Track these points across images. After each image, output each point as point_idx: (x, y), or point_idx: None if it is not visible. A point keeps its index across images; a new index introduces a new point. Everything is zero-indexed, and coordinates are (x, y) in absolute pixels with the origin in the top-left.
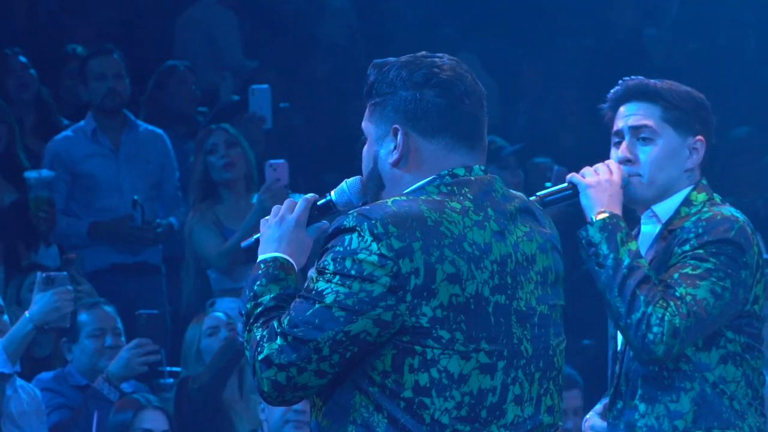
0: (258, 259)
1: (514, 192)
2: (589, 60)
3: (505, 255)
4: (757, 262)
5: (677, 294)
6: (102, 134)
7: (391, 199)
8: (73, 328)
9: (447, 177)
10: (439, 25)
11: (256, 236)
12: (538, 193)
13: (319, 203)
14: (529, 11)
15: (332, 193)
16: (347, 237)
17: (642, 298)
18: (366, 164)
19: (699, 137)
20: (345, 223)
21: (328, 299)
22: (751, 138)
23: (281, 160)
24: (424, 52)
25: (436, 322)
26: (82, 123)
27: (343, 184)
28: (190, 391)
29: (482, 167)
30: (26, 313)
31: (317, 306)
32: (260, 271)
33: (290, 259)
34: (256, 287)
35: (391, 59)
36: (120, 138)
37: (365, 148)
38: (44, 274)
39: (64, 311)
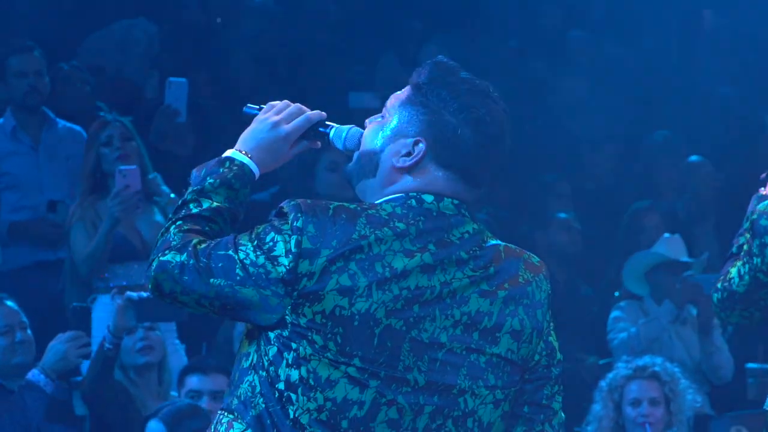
0: (228, 152)
1: (491, 241)
2: (513, 62)
3: (423, 286)
4: None
5: (728, 270)
6: (22, 132)
7: (338, 204)
8: None
9: (412, 200)
10: (358, 25)
11: (258, 107)
12: None
13: (320, 128)
14: (451, 12)
15: (334, 128)
16: (282, 218)
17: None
18: (370, 141)
19: None
20: (284, 205)
21: (240, 255)
22: (670, 141)
23: (133, 166)
24: (486, 86)
25: (313, 327)
26: (1, 120)
27: (345, 131)
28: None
29: (455, 201)
30: None
31: (230, 253)
32: (222, 169)
33: (256, 170)
34: (207, 183)
35: (457, 69)
36: (40, 135)
37: (376, 124)
38: None
39: None
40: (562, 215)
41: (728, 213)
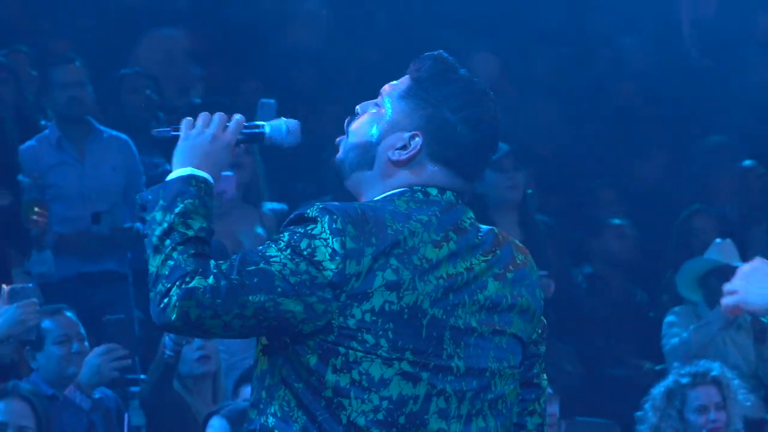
0: (186, 170)
1: (482, 226)
2: (566, 68)
3: (453, 274)
4: None
5: None
6: (67, 142)
7: (359, 202)
8: (37, 336)
9: (419, 193)
10: (414, 27)
11: (173, 132)
12: None
13: (246, 129)
14: (504, 19)
15: (266, 125)
16: (310, 225)
17: None
18: (365, 132)
19: None
20: (308, 212)
21: (275, 267)
22: (724, 146)
23: (230, 173)
24: (484, 85)
25: (363, 326)
26: (47, 132)
27: (283, 124)
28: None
29: (455, 193)
30: None
31: (262, 266)
32: (192, 188)
33: (213, 185)
34: (187, 203)
35: (457, 66)
36: (85, 146)
37: (370, 115)
38: (9, 287)
39: (29, 324)
40: (616, 221)
41: None
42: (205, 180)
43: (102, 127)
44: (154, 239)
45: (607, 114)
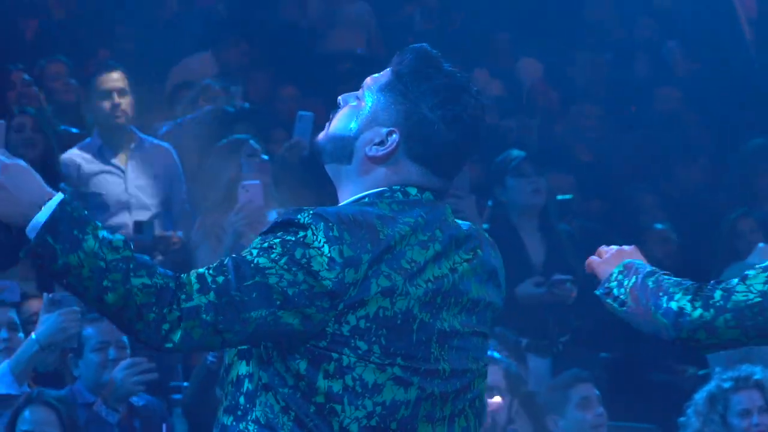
0: (52, 203)
1: (461, 222)
2: (608, 74)
3: (439, 276)
4: None
5: None
6: (108, 151)
7: (347, 204)
8: (78, 343)
9: (398, 194)
10: (458, 33)
11: None
12: None
13: None
14: (546, 25)
15: None
16: (301, 232)
17: None
18: (344, 125)
19: None
20: (299, 218)
21: (271, 280)
22: (766, 149)
23: (256, 181)
24: (467, 81)
25: (357, 332)
26: (88, 140)
27: None
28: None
29: (434, 193)
30: (32, 334)
31: (258, 280)
32: (75, 213)
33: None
34: (89, 230)
35: (440, 61)
36: (127, 154)
37: (350, 108)
38: (50, 295)
39: (70, 332)
40: (659, 226)
41: None
42: (69, 199)
43: (144, 136)
44: (96, 282)
45: (649, 118)
